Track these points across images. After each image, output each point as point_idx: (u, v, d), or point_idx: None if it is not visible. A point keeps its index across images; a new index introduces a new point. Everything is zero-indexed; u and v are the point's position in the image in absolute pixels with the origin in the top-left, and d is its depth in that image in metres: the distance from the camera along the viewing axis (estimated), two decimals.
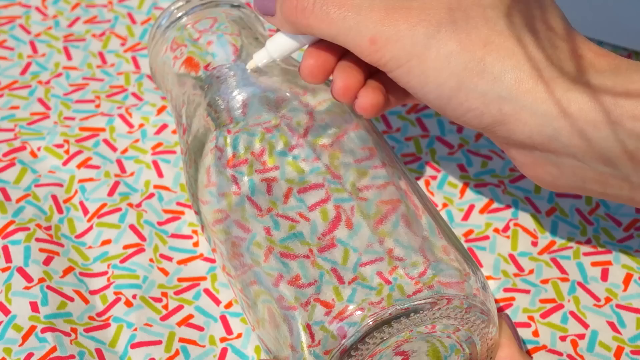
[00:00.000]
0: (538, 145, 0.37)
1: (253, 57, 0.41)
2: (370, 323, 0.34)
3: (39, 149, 0.51)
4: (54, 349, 0.42)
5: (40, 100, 0.54)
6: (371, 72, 0.41)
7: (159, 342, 0.43)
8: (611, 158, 0.36)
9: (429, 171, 0.51)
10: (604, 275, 0.46)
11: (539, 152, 0.37)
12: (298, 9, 0.38)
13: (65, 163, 0.51)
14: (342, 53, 0.41)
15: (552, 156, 0.37)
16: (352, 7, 0.37)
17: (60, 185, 0.50)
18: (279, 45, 0.40)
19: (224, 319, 0.44)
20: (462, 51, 0.36)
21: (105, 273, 0.46)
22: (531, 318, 0.44)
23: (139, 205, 0.49)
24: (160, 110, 0.54)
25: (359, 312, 0.34)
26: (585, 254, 0.47)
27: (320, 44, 0.40)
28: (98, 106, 0.54)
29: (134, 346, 0.43)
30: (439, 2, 0.37)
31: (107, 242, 0.47)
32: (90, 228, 0.48)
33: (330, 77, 0.42)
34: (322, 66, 0.40)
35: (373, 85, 0.40)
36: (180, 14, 0.47)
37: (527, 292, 0.45)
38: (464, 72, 0.36)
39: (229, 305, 0.45)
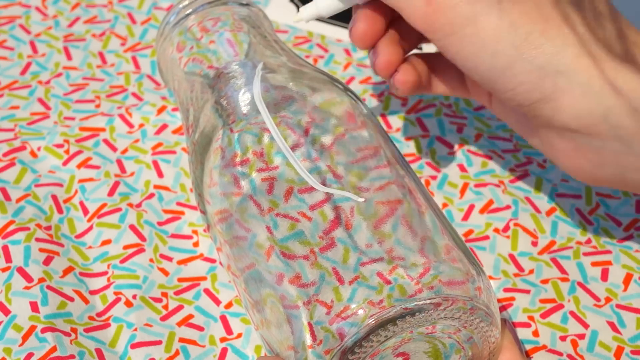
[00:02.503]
0: (583, 127, 0.36)
1: (300, 10, 0.40)
2: (373, 322, 0.34)
3: (39, 149, 0.51)
4: (54, 349, 0.42)
5: (40, 100, 0.54)
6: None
7: (159, 342, 0.43)
8: None
9: (429, 171, 0.51)
10: (604, 275, 0.46)
11: (582, 135, 0.37)
12: None
13: (65, 163, 0.51)
14: (390, 20, 0.40)
15: (596, 141, 0.36)
16: None
17: (60, 185, 0.50)
18: (330, 2, 0.39)
19: (224, 319, 0.44)
20: (524, 22, 0.35)
21: (105, 273, 0.46)
22: (531, 318, 0.44)
23: (139, 205, 0.49)
24: (160, 110, 0.54)
25: (360, 312, 0.34)
26: (585, 254, 0.47)
27: (370, 6, 0.39)
28: (98, 106, 0.54)
29: (134, 346, 0.43)
30: None
31: (107, 242, 0.47)
32: (90, 228, 0.48)
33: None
34: (374, 31, 0.39)
35: (414, 62, 0.40)
36: (188, 12, 0.47)
37: (527, 292, 0.45)
38: (524, 44, 0.35)
39: (229, 305, 0.45)
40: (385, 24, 0.40)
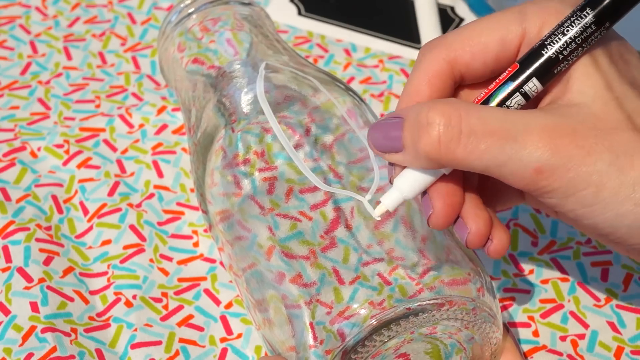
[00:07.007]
0: None
1: (381, 200, 0.35)
2: (374, 323, 0.34)
3: (39, 149, 0.51)
4: (54, 349, 0.42)
5: (40, 100, 0.54)
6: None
7: (159, 343, 0.43)
8: None
9: None
10: (604, 275, 0.46)
11: None
12: (442, 143, 0.33)
13: (65, 163, 0.51)
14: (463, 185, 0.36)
15: None
16: (506, 134, 0.33)
17: (60, 185, 0.50)
18: (413, 182, 0.35)
19: (224, 319, 0.44)
20: None
21: (105, 273, 0.46)
22: (531, 318, 0.44)
23: (139, 205, 0.49)
24: (160, 110, 0.54)
25: (362, 312, 0.34)
26: (585, 254, 0.47)
27: (444, 180, 0.35)
28: (98, 106, 0.54)
29: (134, 346, 0.43)
30: (598, 119, 0.33)
31: (107, 242, 0.47)
32: (90, 228, 0.48)
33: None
34: (454, 208, 0.35)
35: (499, 224, 0.37)
36: (189, 11, 0.47)
37: (527, 292, 0.45)
38: None
39: (229, 305, 0.45)
40: (462, 193, 0.36)
